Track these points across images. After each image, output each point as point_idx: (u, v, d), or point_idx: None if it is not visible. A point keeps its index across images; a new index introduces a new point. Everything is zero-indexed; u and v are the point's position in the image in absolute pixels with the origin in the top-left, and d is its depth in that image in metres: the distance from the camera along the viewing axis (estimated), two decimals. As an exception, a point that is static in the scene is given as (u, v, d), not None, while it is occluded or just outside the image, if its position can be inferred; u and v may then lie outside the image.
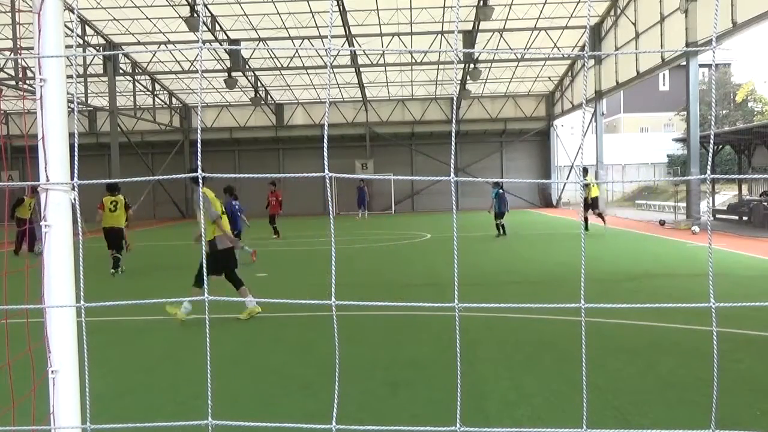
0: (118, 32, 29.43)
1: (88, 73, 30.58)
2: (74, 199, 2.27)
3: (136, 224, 21.18)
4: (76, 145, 1.94)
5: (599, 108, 31.22)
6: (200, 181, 1.95)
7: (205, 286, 2.17)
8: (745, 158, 24.46)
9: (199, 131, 2.03)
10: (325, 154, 1.94)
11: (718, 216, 24.02)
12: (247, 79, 34.89)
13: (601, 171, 30.63)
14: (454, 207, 2.09)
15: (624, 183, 36.63)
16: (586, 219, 19.17)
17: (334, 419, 1.95)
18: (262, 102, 36.81)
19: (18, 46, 21.85)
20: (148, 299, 8.98)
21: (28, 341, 2.70)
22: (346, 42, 28.94)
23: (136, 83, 33.66)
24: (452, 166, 1.94)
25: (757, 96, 48.29)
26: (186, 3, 24.98)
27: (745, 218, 21.80)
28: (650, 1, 24.59)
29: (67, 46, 2.28)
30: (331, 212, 1.96)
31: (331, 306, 1.82)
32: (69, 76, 2.29)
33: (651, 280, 10.49)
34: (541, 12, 28.46)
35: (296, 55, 32.42)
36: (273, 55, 32.23)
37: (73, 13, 21.58)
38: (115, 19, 27.93)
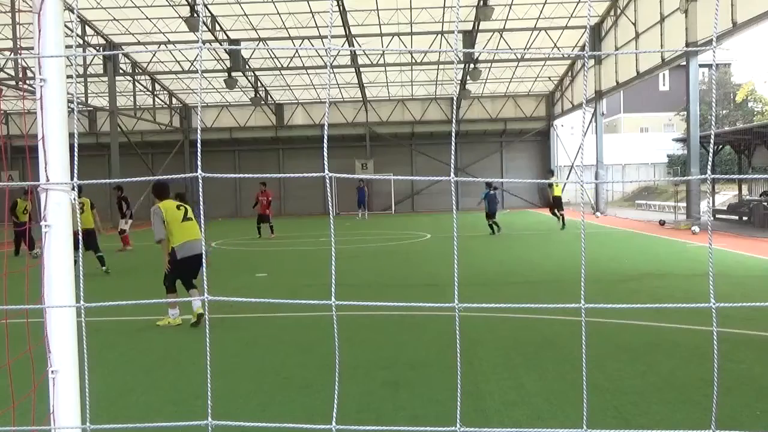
0: (118, 32, 29.43)
1: (88, 73, 30.58)
2: (74, 199, 2.27)
3: (136, 224, 21.14)
4: (76, 145, 1.94)
5: (599, 108, 31.22)
6: (200, 181, 1.95)
7: (205, 286, 2.17)
8: (745, 158, 24.46)
9: (199, 131, 2.03)
10: (325, 154, 1.94)
11: (718, 216, 24.01)
12: (247, 79, 34.90)
13: (601, 171, 30.63)
14: (455, 207, 2.08)
15: (624, 183, 36.61)
16: (559, 215, 21.92)
17: (334, 419, 1.95)
18: (262, 102, 36.82)
19: (18, 46, 21.87)
20: (148, 299, 8.98)
21: (28, 341, 2.70)
22: (346, 42, 28.94)
23: (136, 83, 33.66)
24: (452, 166, 1.94)
25: (757, 96, 48.28)
26: (186, 3, 24.98)
27: (745, 218, 21.80)
28: (650, 1, 24.60)
29: (67, 46, 2.28)
30: (331, 212, 1.96)
31: (331, 306, 1.82)
32: (69, 76, 2.29)
33: (651, 280, 10.49)
34: (541, 12, 28.46)
35: (296, 55, 32.43)
36: (273, 55, 32.23)
37: (73, 13, 21.58)
38: (115, 19, 27.92)
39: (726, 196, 32.70)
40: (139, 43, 30.34)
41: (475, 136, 39.00)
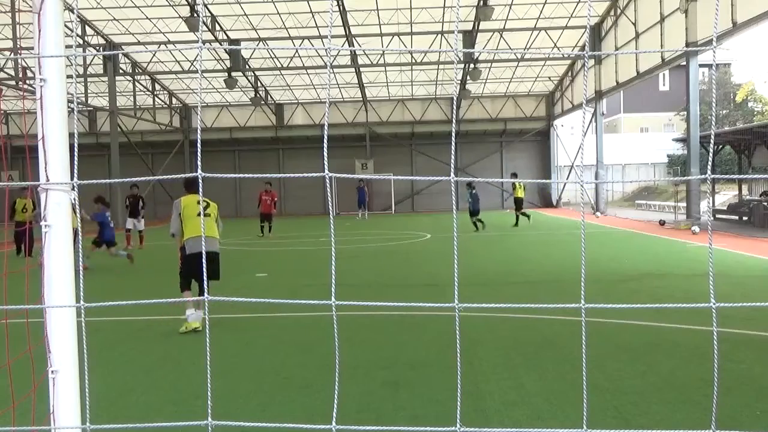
0: (118, 32, 29.44)
1: (88, 73, 30.58)
2: (74, 199, 2.27)
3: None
4: (76, 145, 1.94)
5: (599, 108, 31.22)
6: (200, 181, 1.95)
7: (205, 286, 2.18)
8: (745, 158, 24.45)
9: (199, 131, 2.03)
10: (325, 154, 1.94)
11: (718, 216, 24.01)
12: (247, 79, 34.90)
13: (601, 171, 30.64)
14: (454, 207, 2.09)
15: (624, 183, 36.62)
16: (518, 215, 23.59)
17: (334, 419, 1.95)
18: (262, 102, 36.82)
19: (18, 46, 21.87)
20: (148, 299, 8.98)
21: (28, 341, 2.70)
22: (346, 42, 28.95)
23: (136, 83, 33.67)
24: (452, 166, 1.94)
25: (757, 96, 48.27)
26: (186, 3, 24.98)
27: (745, 218, 21.80)
28: (650, 1, 24.60)
29: (67, 46, 2.28)
30: (331, 212, 1.96)
31: (331, 306, 1.82)
32: (69, 76, 2.29)
33: (651, 280, 10.49)
34: (541, 12, 28.47)
35: (296, 55, 32.43)
36: (273, 55, 32.23)
37: (73, 13, 21.58)
38: (115, 19, 27.93)
39: (726, 196, 32.70)
40: (139, 43, 30.34)
41: (475, 136, 39.01)
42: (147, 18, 27.90)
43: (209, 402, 1.96)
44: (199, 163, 1.97)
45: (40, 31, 2.18)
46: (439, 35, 30.28)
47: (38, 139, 2.21)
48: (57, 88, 2.23)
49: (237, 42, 29.64)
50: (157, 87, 35.57)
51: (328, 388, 5.16)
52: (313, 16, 28.21)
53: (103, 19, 27.81)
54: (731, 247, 14.66)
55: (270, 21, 28.51)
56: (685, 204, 22.85)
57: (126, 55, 31.90)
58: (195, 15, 24.43)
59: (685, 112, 23.68)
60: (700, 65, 26.59)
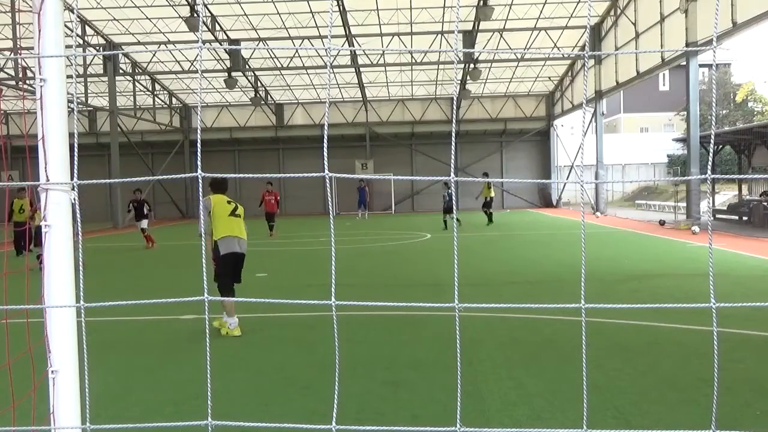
0: (118, 32, 29.44)
1: (88, 73, 30.58)
2: (74, 199, 2.27)
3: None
4: (76, 145, 1.94)
5: (599, 108, 31.22)
6: (200, 180, 1.95)
7: (204, 285, 2.17)
8: (745, 158, 24.45)
9: (199, 131, 2.03)
10: (325, 154, 1.94)
11: (718, 216, 24.01)
12: (247, 79, 34.90)
13: (601, 171, 30.63)
14: (455, 207, 2.09)
15: (624, 183, 36.61)
16: (488, 213, 24.76)
17: (334, 419, 1.95)
18: (262, 102, 36.82)
19: (18, 46, 21.87)
20: (148, 299, 8.98)
21: (28, 341, 2.70)
22: (346, 42, 28.95)
23: (136, 83, 33.67)
24: (452, 166, 1.94)
25: (757, 96, 48.26)
26: (186, 3, 24.98)
27: (745, 218, 21.80)
28: (650, 1, 24.60)
29: (67, 46, 2.28)
30: (331, 212, 1.96)
31: (331, 306, 1.82)
32: (69, 76, 2.29)
33: (651, 280, 10.49)
34: (541, 12, 28.47)
35: (296, 55, 32.43)
36: (273, 55, 32.23)
37: (73, 13, 21.59)
38: (115, 19, 27.93)
39: (726, 196, 32.69)
40: (139, 43, 30.34)
41: (475, 136, 39.00)
42: (147, 18, 27.90)
43: (209, 402, 1.96)
44: (199, 163, 1.97)
45: (40, 31, 2.19)
46: (439, 35, 30.28)
47: (38, 139, 2.21)
48: (57, 88, 2.23)
49: (237, 42, 29.64)
50: (157, 87, 35.57)
51: (328, 387, 5.16)
52: (313, 16, 28.21)
53: (103, 19, 27.82)
54: (731, 247, 14.66)
55: (270, 21, 28.51)
56: (685, 204, 22.85)
57: (126, 55, 31.90)
58: (195, 15, 24.43)
59: (685, 112, 23.67)
60: (700, 65, 26.60)
